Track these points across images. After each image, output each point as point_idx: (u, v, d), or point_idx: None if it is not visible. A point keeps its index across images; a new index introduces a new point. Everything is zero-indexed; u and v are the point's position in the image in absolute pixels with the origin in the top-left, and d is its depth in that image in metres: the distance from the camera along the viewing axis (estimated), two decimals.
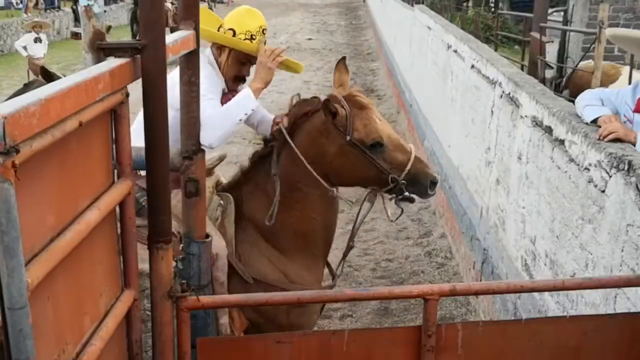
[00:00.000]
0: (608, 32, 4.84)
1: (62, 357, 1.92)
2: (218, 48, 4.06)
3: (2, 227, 1.56)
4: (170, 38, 2.55)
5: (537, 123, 4.72)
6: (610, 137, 3.62)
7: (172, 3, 23.42)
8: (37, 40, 16.12)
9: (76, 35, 21.98)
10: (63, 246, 1.84)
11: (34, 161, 1.65)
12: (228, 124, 3.79)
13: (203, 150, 3.12)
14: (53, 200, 1.84)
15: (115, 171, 2.28)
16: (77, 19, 25.55)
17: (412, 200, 3.90)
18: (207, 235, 3.20)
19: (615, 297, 3.34)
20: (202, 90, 3.06)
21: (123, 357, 2.41)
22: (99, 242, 2.17)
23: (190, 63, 2.87)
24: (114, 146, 2.25)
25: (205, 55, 3.94)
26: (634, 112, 3.87)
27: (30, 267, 1.68)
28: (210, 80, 3.84)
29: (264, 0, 54.10)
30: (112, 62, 2.16)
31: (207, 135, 3.50)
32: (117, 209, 2.31)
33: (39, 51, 16.09)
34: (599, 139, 3.67)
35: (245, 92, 3.84)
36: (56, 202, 1.86)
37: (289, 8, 43.36)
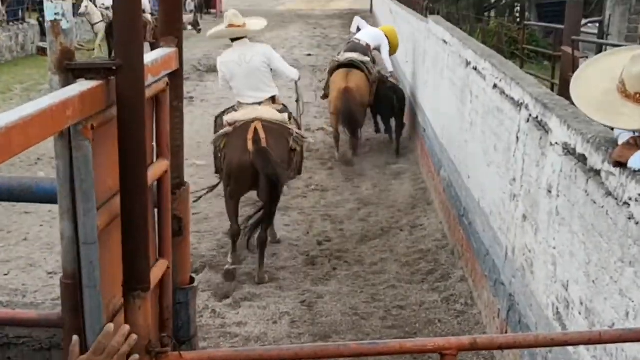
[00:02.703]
0: None
1: (111, 302, 2.43)
2: None
3: (81, 176, 2.18)
4: (149, 57, 2.57)
5: (569, 151, 4.73)
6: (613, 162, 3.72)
7: (152, 14, 23.50)
8: None
9: (43, 51, 22.14)
10: (118, 204, 2.41)
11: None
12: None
13: (186, 185, 3.12)
14: (110, 168, 2.37)
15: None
16: (44, 33, 25.68)
17: None
18: (193, 280, 3.20)
19: None
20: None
21: (155, 319, 2.83)
22: None
23: (172, 85, 2.88)
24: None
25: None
26: None
27: (99, 212, 2.27)
28: None
29: (258, 12, 54.55)
30: (82, 85, 2.16)
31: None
32: None
33: None
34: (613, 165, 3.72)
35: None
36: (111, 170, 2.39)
37: (286, 20, 43.62)
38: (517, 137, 6.14)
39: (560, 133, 4.95)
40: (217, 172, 8.82)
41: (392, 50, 14.11)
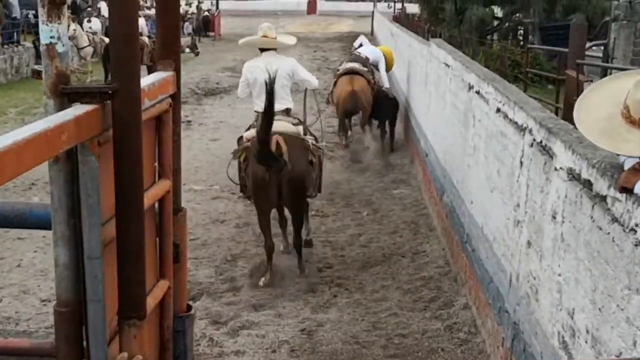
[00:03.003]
0: None
1: (114, 320, 2.52)
2: None
3: (87, 190, 2.26)
4: (146, 81, 2.57)
5: (574, 176, 4.73)
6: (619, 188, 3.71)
7: (149, 37, 23.58)
8: None
9: (38, 74, 22.18)
10: None
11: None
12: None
13: (184, 210, 3.12)
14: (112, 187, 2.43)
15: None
16: (38, 55, 25.74)
17: None
18: (190, 307, 3.19)
19: None
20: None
21: (156, 338, 2.93)
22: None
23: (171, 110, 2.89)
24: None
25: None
26: None
27: (103, 228, 2.35)
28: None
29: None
30: (77, 109, 2.17)
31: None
32: None
33: None
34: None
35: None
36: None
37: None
38: (521, 162, 6.14)
39: (564, 158, 4.95)
40: (241, 190, 9.38)
41: (388, 67, 16.36)
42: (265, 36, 9.37)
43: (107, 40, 26.52)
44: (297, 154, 8.46)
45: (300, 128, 8.98)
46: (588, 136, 3.72)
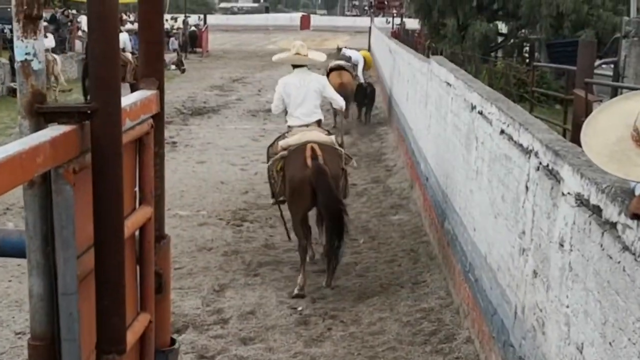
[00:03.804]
0: None
1: (92, 355, 2.50)
2: None
3: (62, 222, 2.23)
4: (127, 100, 2.57)
5: (582, 202, 4.73)
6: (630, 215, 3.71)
7: (132, 53, 23.60)
8: None
9: (14, 93, 22.20)
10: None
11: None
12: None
13: (167, 237, 3.12)
14: (90, 215, 2.42)
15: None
16: (15, 72, 25.72)
17: None
18: (174, 341, 3.18)
19: None
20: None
21: None
22: None
23: (154, 130, 2.89)
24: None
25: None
26: None
27: (79, 260, 2.32)
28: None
29: (245, 52, 54.99)
30: (54, 130, 2.17)
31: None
32: None
33: None
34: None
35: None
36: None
37: None
38: (527, 187, 6.14)
39: (572, 182, 4.96)
40: (273, 196, 10.30)
41: (367, 66, 25.89)
42: (298, 54, 10.47)
43: (57, 57, 26.57)
44: (331, 159, 9.58)
45: (333, 137, 10.12)
46: (596, 160, 3.70)
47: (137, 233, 2.89)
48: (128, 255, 2.66)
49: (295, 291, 9.25)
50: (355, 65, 23.57)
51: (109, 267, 2.39)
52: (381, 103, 25.48)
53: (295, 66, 10.54)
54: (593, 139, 3.73)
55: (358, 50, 27.20)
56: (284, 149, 9.75)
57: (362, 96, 23.06)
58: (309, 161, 9.31)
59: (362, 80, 23.43)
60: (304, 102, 10.16)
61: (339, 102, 10.89)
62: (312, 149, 9.41)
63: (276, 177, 9.92)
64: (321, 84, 10.42)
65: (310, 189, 9.35)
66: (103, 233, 2.36)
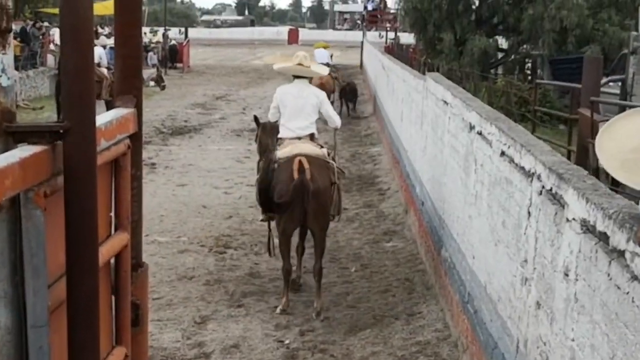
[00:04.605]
0: None
1: None
2: None
3: (32, 249, 2.22)
4: (102, 118, 2.56)
5: (588, 228, 4.74)
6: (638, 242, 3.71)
7: (108, 68, 23.61)
8: None
9: None
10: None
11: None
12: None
13: (145, 266, 3.10)
14: (62, 242, 2.39)
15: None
16: None
17: None
18: None
19: None
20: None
21: None
22: None
23: (131, 151, 2.88)
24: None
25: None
26: None
27: (50, 290, 2.32)
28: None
29: (229, 67, 55.08)
30: (24, 151, 2.16)
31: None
32: None
33: None
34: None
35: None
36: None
37: (264, 76, 44.08)
38: (529, 212, 6.15)
39: (577, 208, 4.97)
40: (263, 211, 10.44)
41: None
42: (300, 64, 10.63)
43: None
44: (319, 172, 9.78)
45: (325, 150, 10.37)
46: (606, 165, 3.73)
47: (112, 261, 2.88)
48: (103, 285, 2.64)
49: (278, 311, 9.61)
50: (330, 65, 27.60)
51: (82, 297, 2.38)
52: (375, 122, 25.52)
53: (296, 76, 10.74)
54: (608, 142, 3.75)
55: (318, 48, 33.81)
56: (275, 162, 9.96)
57: (346, 93, 29.87)
58: (295, 174, 9.50)
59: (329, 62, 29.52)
60: (300, 114, 10.38)
61: (335, 121, 10.99)
62: (300, 162, 9.59)
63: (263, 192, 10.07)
64: (319, 99, 10.58)
65: (298, 204, 9.51)
66: (76, 261, 2.35)
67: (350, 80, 32.83)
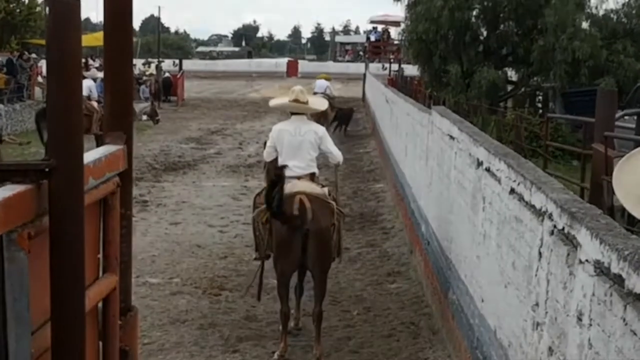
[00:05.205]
0: None
1: None
2: None
3: (14, 293, 2.19)
4: (91, 156, 2.56)
5: (602, 270, 4.72)
6: None
7: (98, 102, 23.65)
8: None
9: None
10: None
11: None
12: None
13: (134, 310, 3.10)
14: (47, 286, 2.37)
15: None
16: None
17: None
18: None
19: None
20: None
21: None
22: None
23: (120, 189, 2.88)
24: None
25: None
26: None
27: (34, 337, 2.29)
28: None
29: (225, 101, 55.25)
30: (7, 190, 2.15)
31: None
32: None
33: None
34: None
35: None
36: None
37: (260, 109, 44.18)
38: (540, 253, 6.14)
39: (591, 248, 4.96)
40: (257, 249, 10.46)
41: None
42: (296, 100, 10.62)
43: None
44: (320, 211, 9.73)
45: (326, 190, 10.36)
46: (623, 200, 3.73)
47: (100, 305, 2.87)
48: (90, 331, 2.63)
49: (276, 356, 9.49)
50: (326, 94, 32.91)
51: (67, 344, 2.36)
52: (378, 157, 25.55)
53: (293, 113, 10.72)
54: (626, 176, 3.75)
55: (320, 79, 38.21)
56: None
57: (340, 118, 35.86)
58: (295, 212, 9.47)
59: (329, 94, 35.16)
60: (298, 153, 10.33)
61: (337, 157, 10.90)
62: (301, 201, 9.56)
63: (262, 229, 10.10)
64: (319, 135, 10.52)
65: (298, 244, 9.50)
66: (61, 306, 2.34)
67: (350, 107, 39.97)
